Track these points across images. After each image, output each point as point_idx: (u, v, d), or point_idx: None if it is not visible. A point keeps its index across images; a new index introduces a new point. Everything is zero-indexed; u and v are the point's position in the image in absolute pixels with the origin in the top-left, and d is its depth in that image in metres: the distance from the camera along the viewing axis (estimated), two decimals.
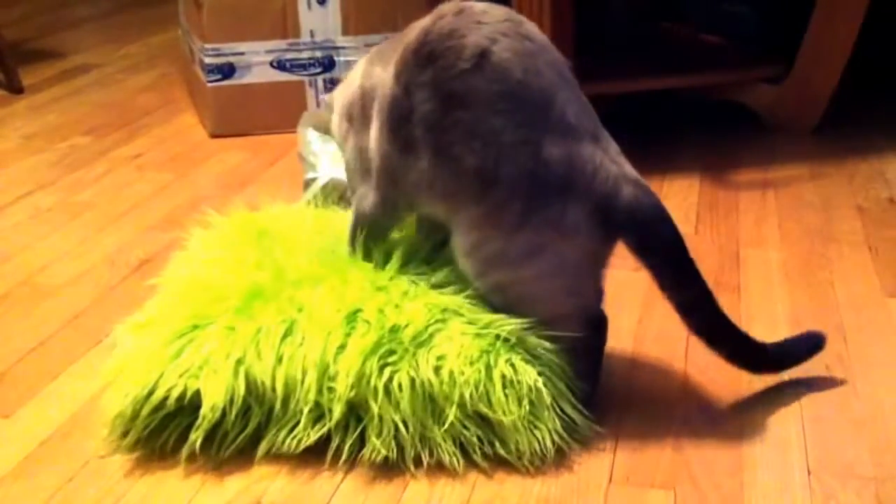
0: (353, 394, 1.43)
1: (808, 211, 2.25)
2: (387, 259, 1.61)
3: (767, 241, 2.11)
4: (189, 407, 1.46)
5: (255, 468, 1.44)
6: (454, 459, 1.42)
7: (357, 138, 1.60)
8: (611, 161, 1.44)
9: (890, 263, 1.98)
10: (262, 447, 1.45)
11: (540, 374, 1.45)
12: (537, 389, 1.44)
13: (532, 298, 1.50)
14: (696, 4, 3.16)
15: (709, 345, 1.52)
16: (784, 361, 1.60)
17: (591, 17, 2.59)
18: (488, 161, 1.42)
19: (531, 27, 1.47)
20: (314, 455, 1.44)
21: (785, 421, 1.51)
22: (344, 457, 1.43)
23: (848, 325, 1.77)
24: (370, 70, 1.58)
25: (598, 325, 1.56)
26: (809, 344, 1.61)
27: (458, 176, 1.45)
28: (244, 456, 1.45)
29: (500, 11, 1.47)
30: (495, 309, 1.51)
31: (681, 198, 2.33)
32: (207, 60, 2.85)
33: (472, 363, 1.44)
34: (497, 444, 1.43)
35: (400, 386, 1.42)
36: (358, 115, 1.59)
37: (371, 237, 1.63)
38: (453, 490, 1.39)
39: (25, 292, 1.99)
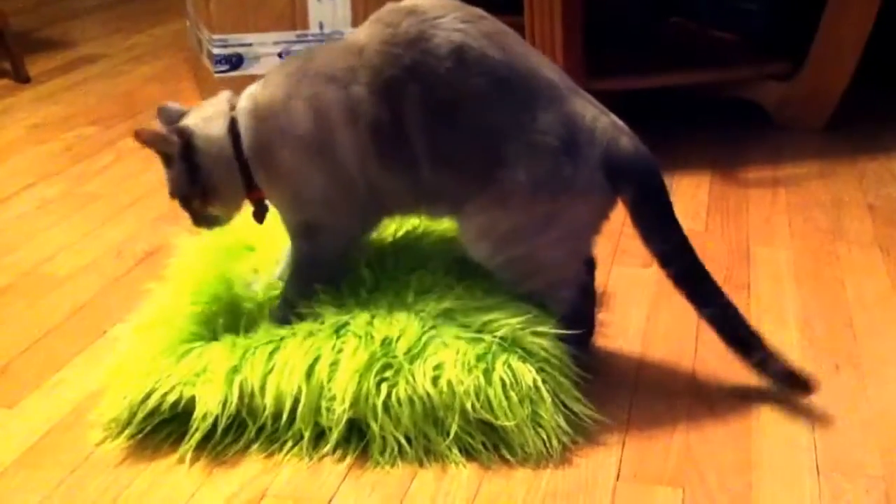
0: (351, 413, 1.41)
1: (818, 209, 2.24)
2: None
3: (777, 240, 2.10)
4: (183, 415, 1.45)
5: (260, 460, 1.43)
6: (461, 467, 1.41)
7: (323, 168, 1.51)
8: (600, 111, 1.48)
9: None
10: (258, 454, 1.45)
11: (539, 370, 1.45)
12: (537, 388, 1.43)
13: (545, 266, 1.52)
14: (705, 1, 3.14)
15: (690, 299, 1.53)
16: (749, 353, 1.53)
17: (600, 13, 2.58)
18: (490, 152, 1.44)
19: (472, 7, 1.49)
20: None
21: (794, 419, 1.50)
22: (346, 465, 1.43)
23: (857, 323, 1.76)
24: (314, 92, 1.48)
25: (586, 290, 1.60)
26: (783, 372, 1.53)
27: (461, 175, 1.47)
28: (249, 449, 1.45)
29: (442, 1, 1.48)
30: (505, 282, 1.54)
31: (690, 195, 2.31)
32: (215, 51, 2.84)
33: (470, 370, 1.42)
34: (503, 448, 1.42)
35: (399, 401, 1.41)
36: (318, 146, 1.50)
37: (336, 272, 1.60)
38: (461, 483, 1.38)
39: (30, 283, 1.98)
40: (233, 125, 1.53)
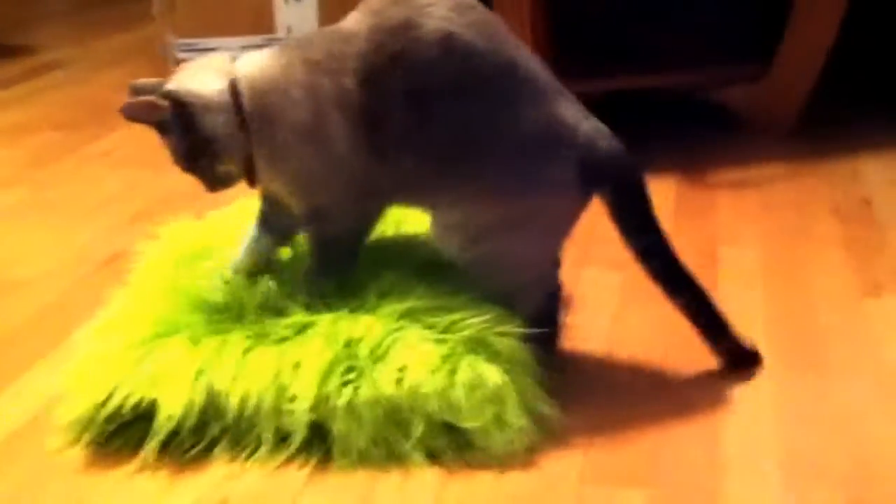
0: (314, 415, 1.40)
1: (784, 211, 2.25)
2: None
3: (744, 241, 2.10)
4: (145, 418, 1.43)
5: (223, 464, 1.41)
6: (424, 469, 1.39)
7: (319, 154, 1.48)
8: (583, 115, 1.48)
9: (865, 263, 1.98)
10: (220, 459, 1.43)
11: (504, 371, 1.43)
12: (502, 389, 1.42)
13: (516, 264, 1.51)
14: (673, 3, 3.15)
15: (666, 291, 1.55)
16: (725, 337, 1.59)
17: (569, 15, 2.59)
18: (471, 143, 1.43)
19: None
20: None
21: (760, 421, 1.50)
22: (309, 469, 1.41)
23: (824, 324, 1.76)
24: (310, 81, 1.46)
25: (554, 290, 1.62)
26: (745, 352, 1.61)
27: (440, 165, 1.46)
28: (212, 451, 1.43)
29: None
30: (474, 279, 1.53)
31: (658, 197, 2.27)
32: (181, 56, 2.83)
33: (433, 372, 1.41)
34: (467, 450, 1.41)
35: (362, 403, 1.39)
36: (314, 133, 1.46)
37: (350, 254, 1.57)
38: (425, 486, 1.37)
39: None
40: (234, 84, 1.48)
